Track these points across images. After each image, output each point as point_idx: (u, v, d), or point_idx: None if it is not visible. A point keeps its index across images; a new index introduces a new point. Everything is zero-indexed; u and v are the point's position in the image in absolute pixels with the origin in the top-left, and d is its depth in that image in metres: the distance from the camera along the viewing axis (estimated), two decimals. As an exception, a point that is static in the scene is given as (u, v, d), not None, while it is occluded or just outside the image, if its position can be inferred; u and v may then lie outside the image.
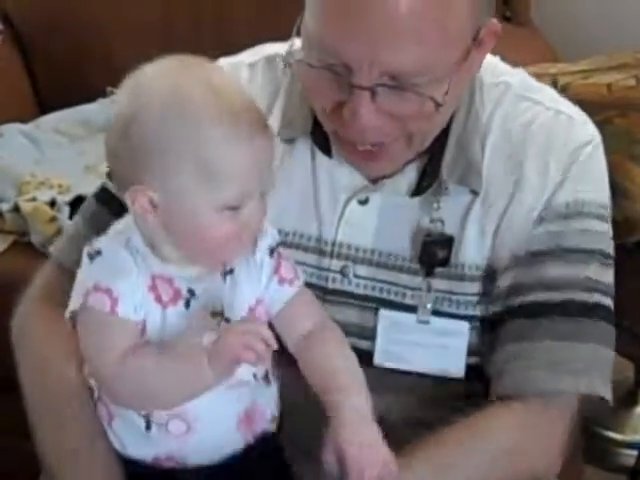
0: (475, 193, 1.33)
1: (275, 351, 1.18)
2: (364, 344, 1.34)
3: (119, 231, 1.22)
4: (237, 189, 1.14)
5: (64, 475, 1.30)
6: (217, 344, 1.12)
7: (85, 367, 1.28)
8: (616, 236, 1.46)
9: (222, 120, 1.12)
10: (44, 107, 2.83)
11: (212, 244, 1.17)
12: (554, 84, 1.91)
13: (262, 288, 1.26)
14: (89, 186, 2.29)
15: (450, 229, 1.33)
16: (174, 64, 1.19)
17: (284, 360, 1.28)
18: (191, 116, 1.12)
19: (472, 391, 1.38)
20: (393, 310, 1.34)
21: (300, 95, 1.35)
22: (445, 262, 1.32)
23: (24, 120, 2.66)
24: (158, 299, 1.18)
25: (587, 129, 1.37)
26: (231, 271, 1.22)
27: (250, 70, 1.41)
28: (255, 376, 1.23)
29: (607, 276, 1.36)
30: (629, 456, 2.34)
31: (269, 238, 1.27)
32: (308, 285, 1.32)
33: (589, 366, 1.32)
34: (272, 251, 1.27)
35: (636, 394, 2.42)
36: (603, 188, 1.37)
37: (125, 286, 1.16)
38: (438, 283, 1.34)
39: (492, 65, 1.38)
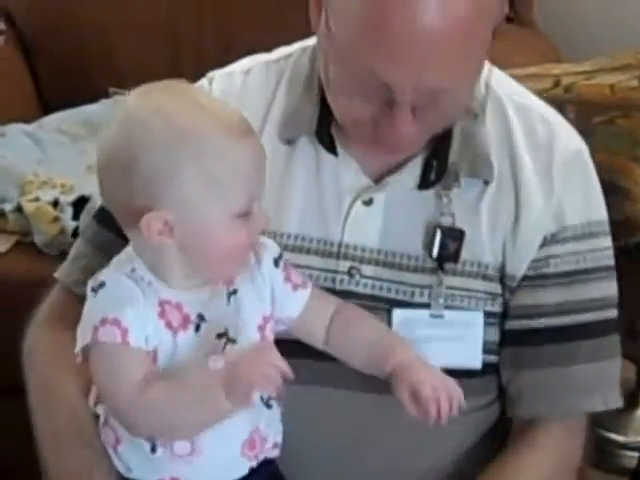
0: (487, 183, 1.33)
1: None
2: None
3: (121, 262, 1.23)
4: (245, 194, 1.17)
5: None
6: (232, 374, 1.12)
7: (90, 396, 1.29)
8: (617, 237, 1.46)
9: (217, 133, 1.16)
10: (47, 107, 2.84)
11: (227, 254, 1.19)
12: (557, 84, 1.92)
13: (270, 303, 1.26)
14: (92, 186, 2.29)
15: (461, 223, 1.33)
16: (157, 92, 1.20)
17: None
18: (189, 137, 1.15)
19: (487, 388, 1.38)
20: (405, 309, 1.34)
21: (302, 95, 1.35)
22: (456, 257, 1.32)
23: (27, 120, 2.67)
24: (169, 325, 1.19)
25: (576, 137, 1.40)
26: (234, 292, 1.23)
27: (243, 76, 1.41)
28: (262, 398, 1.24)
29: (615, 287, 1.39)
30: (631, 458, 2.33)
31: (270, 250, 1.28)
32: None
33: (613, 380, 1.38)
34: (277, 262, 1.28)
35: (638, 396, 2.41)
36: (602, 200, 1.40)
37: (133, 315, 1.16)
38: (449, 280, 1.34)
39: None
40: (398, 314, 1.33)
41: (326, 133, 1.33)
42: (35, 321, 1.42)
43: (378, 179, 1.34)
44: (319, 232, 1.34)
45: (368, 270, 1.34)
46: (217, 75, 1.42)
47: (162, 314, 1.18)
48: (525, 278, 1.34)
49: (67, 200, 2.24)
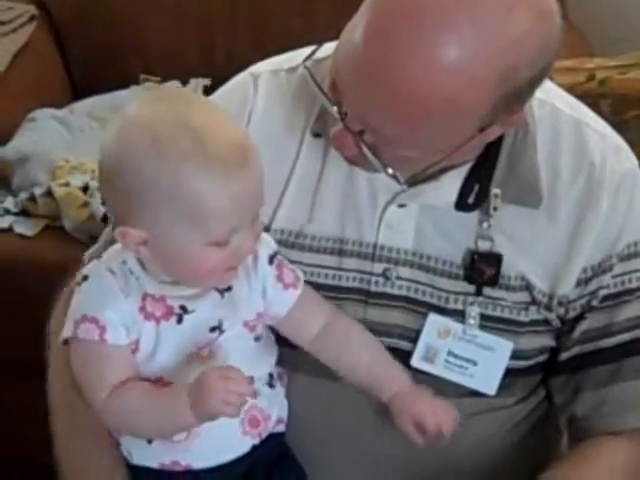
0: (533, 207, 1.30)
1: (285, 357, 1.30)
2: (407, 345, 1.33)
3: (114, 253, 1.25)
4: (222, 228, 1.16)
5: None
6: (198, 396, 1.14)
7: None
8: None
9: (201, 163, 1.13)
10: (78, 93, 2.85)
11: (203, 274, 1.20)
12: (591, 79, 1.91)
13: (264, 299, 1.27)
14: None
15: (500, 247, 1.31)
16: (156, 106, 1.18)
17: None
18: (170, 162, 1.13)
19: (503, 405, 1.37)
20: (439, 314, 1.32)
21: None
22: (494, 281, 1.31)
23: (58, 105, 2.67)
24: (149, 316, 1.21)
25: (630, 155, 1.37)
26: (229, 288, 1.24)
27: (289, 75, 1.38)
28: (252, 378, 1.25)
29: None
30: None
31: (266, 246, 1.28)
32: (350, 289, 1.33)
33: None
34: (272, 259, 1.28)
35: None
36: None
37: (111, 312, 1.19)
38: (486, 291, 1.32)
39: None
40: (433, 322, 1.32)
41: None
42: (61, 301, 1.41)
43: (412, 182, 1.29)
44: (355, 234, 1.33)
45: (404, 272, 1.32)
46: (263, 72, 1.39)
47: (143, 308, 1.21)
48: (606, 298, 1.33)
49: (97, 185, 2.24)
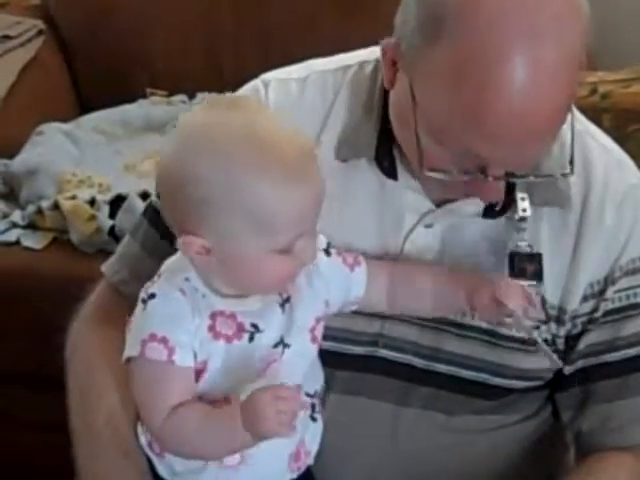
0: (562, 207, 1.31)
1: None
2: (420, 362, 1.33)
3: (174, 270, 1.21)
4: (290, 235, 1.15)
5: None
6: (251, 419, 1.11)
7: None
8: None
9: (270, 171, 1.12)
10: (84, 107, 2.86)
11: (264, 282, 1.18)
12: (594, 92, 1.91)
13: (324, 303, 1.26)
14: (128, 185, 2.32)
15: (538, 248, 1.30)
16: (220, 115, 1.16)
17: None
18: (243, 176, 1.12)
19: (509, 422, 1.37)
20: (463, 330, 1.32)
21: (362, 116, 1.32)
22: (539, 276, 1.30)
23: (65, 119, 2.69)
24: (218, 336, 1.18)
25: (634, 169, 1.37)
26: (287, 299, 1.22)
27: (300, 85, 1.37)
28: (313, 408, 1.26)
29: None
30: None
31: (319, 245, 1.25)
32: None
33: None
34: (327, 252, 1.27)
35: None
36: None
37: (181, 333, 1.16)
38: None
39: None
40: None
41: (387, 158, 1.30)
42: (80, 316, 1.41)
43: (439, 202, 1.30)
44: (378, 251, 1.32)
45: None
46: (273, 80, 1.38)
47: (212, 327, 1.18)
48: (609, 312, 1.33)
49: (104, 199, 2.25)
